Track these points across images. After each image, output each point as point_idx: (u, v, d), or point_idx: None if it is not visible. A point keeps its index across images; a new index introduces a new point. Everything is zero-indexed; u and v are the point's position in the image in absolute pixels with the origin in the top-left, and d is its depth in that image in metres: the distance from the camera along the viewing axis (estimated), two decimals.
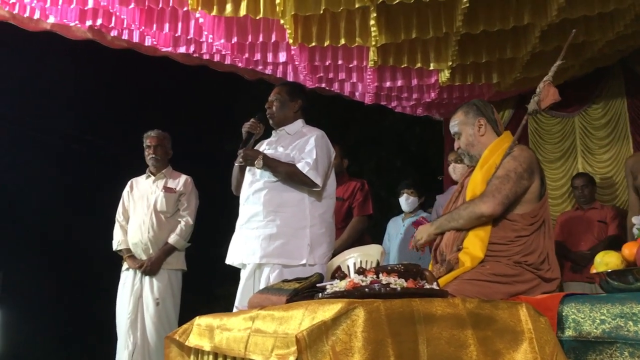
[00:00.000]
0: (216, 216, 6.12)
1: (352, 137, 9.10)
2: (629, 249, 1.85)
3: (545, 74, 2.57)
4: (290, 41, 4.09)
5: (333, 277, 2.26)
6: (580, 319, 1.75)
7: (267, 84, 5.06)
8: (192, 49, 4.63)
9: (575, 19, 3.92)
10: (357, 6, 3.64)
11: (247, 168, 3.18)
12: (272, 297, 2.04)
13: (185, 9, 3.82)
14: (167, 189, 4.26)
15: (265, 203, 3.04)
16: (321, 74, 5.01)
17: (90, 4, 3.89)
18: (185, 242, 4.24)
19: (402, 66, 4.60)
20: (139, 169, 4.43)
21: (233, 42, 4.23)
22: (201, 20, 4.05)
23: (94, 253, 4.68)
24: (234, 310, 2.99)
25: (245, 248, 3.06)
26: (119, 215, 4.33)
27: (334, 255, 2.97)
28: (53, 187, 8.16)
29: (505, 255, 2.29)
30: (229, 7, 3.72)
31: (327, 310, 1.48)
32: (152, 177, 4.34)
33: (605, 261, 1.90)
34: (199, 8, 3.72)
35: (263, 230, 3.01)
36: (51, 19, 4.22)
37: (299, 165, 3.02)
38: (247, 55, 4.64)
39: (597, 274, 1.89)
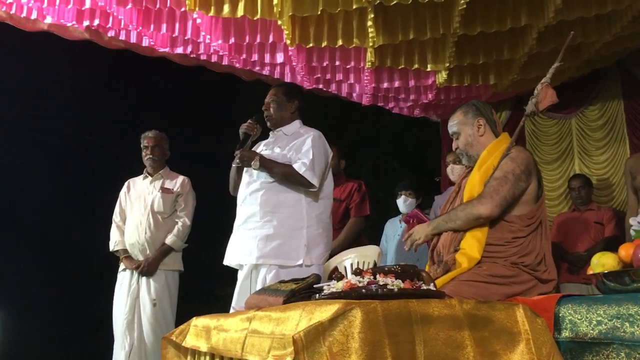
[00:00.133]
0: (213, 217, 6.12)
1: (350, 138, 9.10)
2: (625, 251, 1.86)
3: (542, 75, 2.58)
4: (288, 42, 4.09)
5: (330, 278, 2.26)
6: (576, 320, 1.75)
7: (265, 85, 5.06)
8: (189, 49, 4.62)
9: (572, 20, 3.93)
10: (354, 7, 3.64)
11: (245, 169, 3.18)
12: (269, 298, 2.04)
13: (182, 9, 3.82)
14: (164, 190, 4.25)
15: (262, 204, 3.04)
16: (319, 75, 5.01)
17: (88, 4, 3.89)
18: (183, 242, 4.24)
19: (400, 67, 4.61)
20: (138, 169, 4.42)
21: (230, 42, 4.23)
22: (199, 20, 4.04)
23: (94, 253, 4.67)
24: (231, 311, 2.99)
25: (242, 249, 3.06)
26: (116, 216, 4.32)
27: (331, 256, 2.97)
28: (52, 187, 8.14)
29: (502, 257, 2.30)
30: (226, 8, 3.72)
31: (324, 311, 1.48)
32: (150, 178, 4.33)
33: (602, 262, 1.90)
34: (197, 8, 3.72)
35: (260, 231, 3.01)
36: (48, 19, 4.21)
37: (296, 166, 3.02)
38: (244, 56, 4.64)
39: (594, 275, 1.89)
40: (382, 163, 9.39)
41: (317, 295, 1.81)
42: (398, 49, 4.44)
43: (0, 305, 6.90)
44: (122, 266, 4.21)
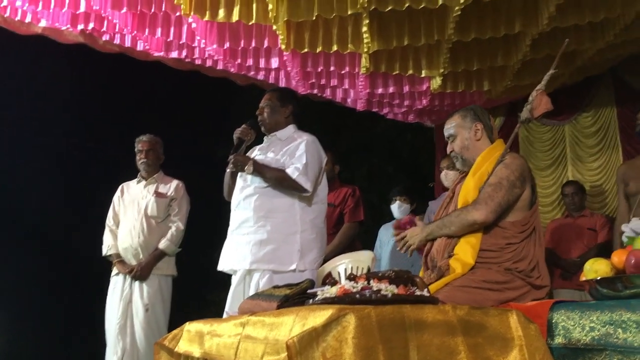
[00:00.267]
0: (207, 221, 6.10)
1: (344, 144, 9.10)
2: (618, 257, 1.86)
3: (535, 81, 2.59)
4: (283, 47, 4.10)
5: (324, 283, 2.26)
6: (570, 326, 1.76)
7: (260, 89, 5.07)
8: (184, 53, 4.63)
9: (565, 27, 3.96)
10: (349, 13, 3.65)
11: (239, 174, 3.18)
12: (263, 303, 2.04)
13: (177, 14, 3.83)
14: (158, 194, 4.24)
15: (255, 209, 3.03)
16: (313, 80, 5.02)
17: (82, 8, 3.89)
18: (176, 247, 4.22)
19: (394, 73, 4.62)
20: (136, 172, 4.40)
21: (225, 47, 4.23)
22: (194, 25, 4.05)
23: (91, 255, 4.65)
24: (225, 316, 2.98)
25: (235, 254, 3.05)
26: (109, 220, 4.31)
27: (324, 261, 2.96)
28: (50, 189, 8.12)
29: (495, 262, 2.30)
30: (221, 13, 3.72)
31: (317, 317, 1.48)
32: (144, 182, 4.32)
33: (595, 269, 1.90)
34: (192, 13, 3.72)
35: (253, 236, 3.00)
36: (43, 23, 4.21)
37: (289, 171, 3.02)
38: (239, 60, 4.65)
39: (587, 281, 1.89)
40: (377, 168, 9.39)
41: (311, 300, 1.81)
42: (393, 55, 4.46)
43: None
44: (114, 270, 4.19)
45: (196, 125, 9.37)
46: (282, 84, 5.08)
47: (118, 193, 4.39)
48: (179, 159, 4.96)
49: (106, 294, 4.19)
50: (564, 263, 4.71)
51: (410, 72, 4.57)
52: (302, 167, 3.01)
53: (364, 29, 3.89)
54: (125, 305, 4.05)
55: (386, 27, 4.03)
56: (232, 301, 3.02)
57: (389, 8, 3.60)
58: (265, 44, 4.19)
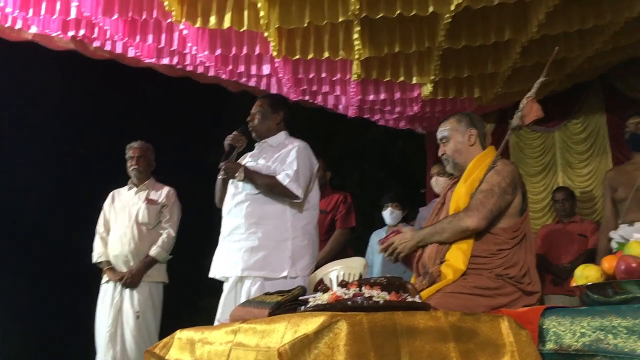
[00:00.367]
0: (199, 228, 6.08)
1: (336, 150, 9.12)
2: (608, 263, 1.87)
3: (526, 88, 2.61)
4: (274, 54, 4.11)
5: (316, 290, 2.25)
6: (561, 332, 1.76)
7: (251, 96, 5.07)
8: (175, 60, 4.62)
9: (555, 35, 3.99)
10: (340, 20, 3.66)
11: (230, 181, 3.17)
12: (254, 310, 2.03)
13: (169, 20, 3.82)
14: (149, 201, 4.22)
15: (246, 215, 3.02)
16: (305, 87, 5.02)
17: (73, 15, 3.87)
18: (167, 254, 4.20)
19: (385, 79, 4.64)
20: (126, 179, 4.38)
21: (217, 54, 4.23)
22: (185, 31, 4.05)
23: (83, 262, 4.62)
24: (216, 323, 2.96)
25: (227, 261, 3.04)
26: (100, 227, 4.28)
27: (316, 267, 2.96)
28: (41, 195, 8.08)
29: (487, 268, 2.31)
30: (213, 19, 3.72)
31: (309, 324, 1.47)
32: (135, 189, 4.30)
33: (585, 274, 1.91)
34: (183, 20, 3.72)
35: (245, 243, 2.99)
36: (33, 29, 4.19)
37: (280, 177, 3.02)
38: (230, 67, 4.64)
39: (578, 287, 1.90)
40: (368, 175, 9.41)
41: (303, 307, 1.81)
42: (384, 62, 4.47)
43: None
44: (105, 278, 4.16)
45: (187, 131, 9.36)
46: (274, 90, 5.09)
47: (109, 200, 4.36)
48: (170, 165, 4.94)
49: (96, 302, 4.16)
50: (555, 269, 4.73)
51: (402, 78, 4.59)
52: (293, 173, 3.01)
53: (355, 35, 3.90)
54: (116, 312, 4.02)
55: (377, 34, 4.05)
56: (224, 308, 3.00)
57: (380, 15, 3.62)
58: (257, 51, 4.20)
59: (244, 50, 4.19)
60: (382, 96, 5.02)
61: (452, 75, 4.60)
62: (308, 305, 1.76)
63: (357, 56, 4.12)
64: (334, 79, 4.71)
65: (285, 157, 3.10)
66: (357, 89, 4.91)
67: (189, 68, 4.84)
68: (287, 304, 1.96)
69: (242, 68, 4.64)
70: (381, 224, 5.06)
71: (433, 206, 2.83)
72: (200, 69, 4.83)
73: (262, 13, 3.62)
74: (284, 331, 1.54)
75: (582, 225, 4.87)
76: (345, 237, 4.39)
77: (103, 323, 4.03)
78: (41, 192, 8.09)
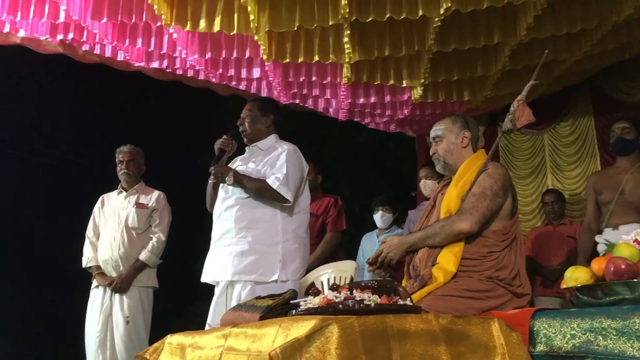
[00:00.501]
0: (189, 232, 6.06)
1: (328, 154, 9.13)
2: (597, 264, 1.88)
3: (515, 91, 2.62)
4: (264, 57, 4.10)
5: (307, 294, 2.25)
6: (551, 333, 1.77)
7: (242, 100, 5.06)
8: (165, 64, 4.61)
9: (543, 38, 4.02)
10: (330, 23, 3.67)
11: (220, 185, 3.17)
12: (245, 314, 2.02)
13: (158, 24, 3.81)
14: (139, 205, 4.20)
15: (236, 220, 3.02)
16: (295, 90, 5.03)
17: (62, 18, 3.85)
18: (157, 258, 4.18)
19: (376, 83, 4.65)
20: (116, 183, 4.36)
21: (207, 57, 4.23)
22: (175, 35, 4.03)
23: (71, 268, 4.58)
24: (207, 328, 2.95)
25: (217, 265, 3.03)
26: (89, 232, 4.25)
27: (307, 271, 2.95)
28: (30, 200, 8.02)
29: (477, 271, 2.31)
30: (202, 23, 3.71)
31: (300, 327, 1.47)
32: (124, 193, 4.28)
33: (575, 276, 1.92)
34: (173, 23, 3.71)
35: (235, 247, 2.98)
36: (21, 33, 4.16)
37: (269, 181, 3.01)
38: (221, 70, 4.64)
39: (567, 289, 1.91)
40: (359, 178, 9.42)
41: (294, 311, 1.80)
42: (374, 65, 4.49)
43: None
44: (94, 283, 4.13)
45: (178, 135, 9.34)
46: (264, 94, 5.09)
47: (98, 204, 4.34)
48: (161, 169, 4.92)
49: (86, 307, 4.13)
50: (545, 271, 4.76)
51: (392, 82, 4.61)
52: (282, 177, 3.00)
53: (346, 39, 3.91)
54: (105, 318, 3.99)
55: (367, 37, 4.06)
56: (214, 313, 2.99)
57: (370, 19, 3.63)
58: (247, 54, 4.19)
59: (234, 54, 4.19)
60: (373, 99, 5.04)
61: (442, 79, 4.62)
62: (299, 309, 1.76)
63: (347, 59, 4.13)
64: (325, 82, 4.72)
65: (275, 160, 3.09)
66: (347, 93, 4.92)
67: (179, 72, 4.83)
68: (278, 307, 1.96)
69: (232, 72, 4.63)
70: (372, 226, 5.07)
71: (422, 209, 2.83)
72: (190, 73, 4.82)
73: (252, 16, 3.61)
74: (275, 335, 1.53)
75: (571, 227, 4.90)
76: (336, 241, 4.39)
77: (92, 328, 4.00)
78: (30, 196, 8.03)
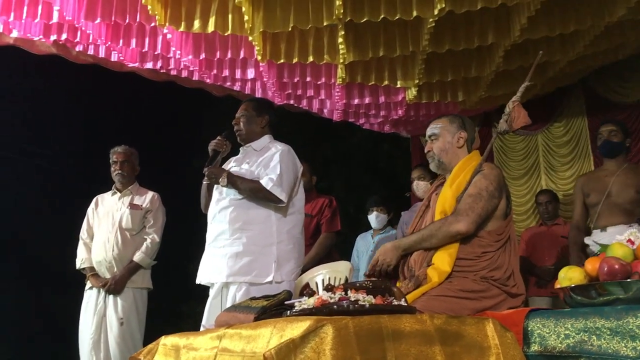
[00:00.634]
0: (183, 233, 6.04)
1: (322, 154, 9.13)
2: (591, 264, 1.88)
3: (509, 92, 2.63)
4: (259, 58, 4.10)
5: (301, 294, 2.25)
6: (545, 333, 1.77)
7: (236, 100, 5.06)
8: (159, 64, 4.60)
9: (537, 39, 4.04)
10: (325, 24, 3.67)
11: (214, 186, 3.16)
12: (240, 315, 2.02)
13: (152, 24, 3.80)
14: (133, 206, 4.18)
15: (231, 221, 3.01)
16: (290, 91, 5.02)
17: (55, 19, 3.84)
18: (151, 260, 4.16)
19: (370, 83, 4.65)
20: (110, 184, 4.34)
21: (201, 58, 4.22)
22: (169, 36, 4.03)
23: (65, 269, 4.57)
24: (201, 329, 2.94)
25: (212, 267, 3.02)
26: (83, 233, 4.23)
27: (302, 272, 2.95)
28: (24, 201, 7.99)
29: (471, 271, 2.31)
30: (197, 23, 3.71)
31: (295, 328, 1.47)
32: (118, 194, 4.26)
33: (569, 276, 1.93)
34: (167, 24, 3.70)
35: (229, 249, 2.98)
36: (14, 33, 4.14)
37: (263, 182, 3.00)
38: (215, 71, 4.64)
39: (561, 289, 1.92)
40: (353, 179, 9.43)
41: (289, 311, 1.80)
42: (368, 66, 4.49)
43: None
44: (88, 284, 4.12)
45: (172, 136, 9.32)
46: (259, 94, 5.08)
47: (92, 205, 4.32)
48: (155, 170, 4.91)
49: (80, 308, 4.12)
50: (539, 271, 4.77)
51: (386, 82, 4.61)
52: (276, 177, 3.00)
53: (340, 40, 3.91)
54: (99, 319, 3.98)
55: (362, 38, 4.07)
56: (209, 314, 2.98)
57: (365, 19, 3.63)
58: (242, 55, 4.19)
59: (229, 55, 4.18)
60: (367, 100, 5.04)
61: (436, 79, 4.63)
62: (294, 310, 1.76)
63: (341, 60, 4.13)
64: (319, 83, 4.72)
65: (268, 161, 3.09)
66: (341, 93, 4.92)
67: (173, 72, 4.82)
68: (273, 308, 1.95)
69: (226, 72, 4.63)
70: (367, 227, 5.07)
71: (415, 210, 2.83)
72: (184, 73, 4.81)
73: (246, 17, 3.61)
74: (270, 336, 1.53)
75: (565, 227, 4.91)
76: (330, 241, 4.39)
77: (86, 330, 3.98)
78: (24, 197, 8.00)
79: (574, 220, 4.19)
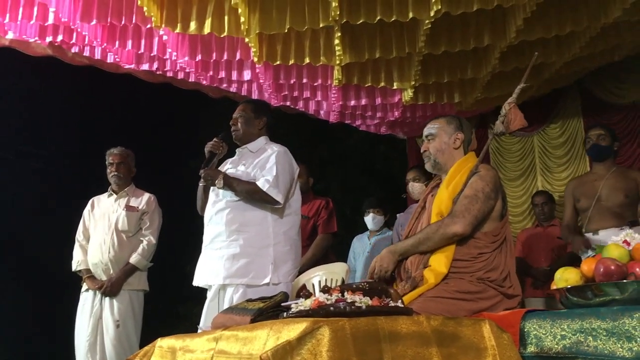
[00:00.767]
0: (180, 235, 6.03)
1: (319, 156, 9.12)
2: (587, 266, 1.89)
3: (505, 93, 2.64)
4: (255, 59, 4.10)
5: (298, 296, 2.25)
6: (541, 334, 1.78)
7: (232, 102, 5.05)
8: (155, 66, 4.59)
9: (533, 40, 4.04)
10: (321, 25, 3.67)
11: (211, 188, 3.15)
12: (236, 317, 2.02)
13: (148, 26, 3.79)
14: (129, 208, 4.17)
15: (227, 223, 3.01)
16: (286, 93, 5.02)
17: (51, 20, 3.82)
18: (148, 262, 4.15)
19: (366, 85, 4.65)
20: (106, 186, 4.33)
21: (197, 59, 4.21)
22: (165, 37, 4.02)
23: (61, 271, 4.55)
24: (199, 332, 2.94)
25: (209, 269, 3.02)
26: (79, 235, 4.22)
27: (299, 273, 2.95)
28: (20, 203, 7.96)
29: (468, 272, 2.32)
30: (193, 25, 3.70)
31: (292, 330, 1.47)
32: (114, 196, 4.25)
33: (565, 277, 1.93)
34: (163, 25, 3.69)
35: (226, 251, 2.97)
36: (10, 35, 4.13)
37: (259, 183, 3.00)
38: (211, 73, 4.63)
39: (558, 290, 1.92)
40: (350, 180, 9.42)
41: (285, 313, 1.80)
42: (365, 67, 4.49)
43: None
44: (84, 286, 4.11)
45: (168, 137, 9.30)
46: (255, 96, 5.08)
47: (88, 207, 4.31)
48: (151, 172, 4.90)
49: (76, 311, 4.11)
50: (535, 272, 4.78)
51: (382, 84, 4.61)
52: (272, 179, 2.99)
53: (336, 41, 3.91)
54: (95, 321, 3.97)
55: (358, 39, 4.07)
56: (207, 317, 2.98)
57: (361, 21, 3.63)
58: (238, 57, 4.18)
59: (225, 56, 4.18)
60: (363, 102, 5.04)
61: (433, 81, 4.64)
62: (290, 312, 1.76)
63: (338, 62, 4.13)
64: (315, 84, 4.72)
65: (264, 162, 3.09)
66: (338, 95, 4.92)
67: (169, 74, 4.81)
68: (270, 310, 1.95)
69: (222, 74, 4.62)
70: (363, 229, 5.07)
71: (411, 212, 2.83)
72: (180, 75, 4.80)
73: (242, 19, 3.61)
74: (266, 338, 1.53)
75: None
76: (327, 243, 4.39)
77: (82, 332, 3.97)
78: (20, 199, 7.97)
79: (565, 222, 4.21)
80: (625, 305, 1.67)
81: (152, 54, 4.32)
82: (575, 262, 3.88)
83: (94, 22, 3.69)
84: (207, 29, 3.70)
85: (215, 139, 3.21)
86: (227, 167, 3.24)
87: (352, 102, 5.05)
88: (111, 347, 3.92)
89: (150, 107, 8.88)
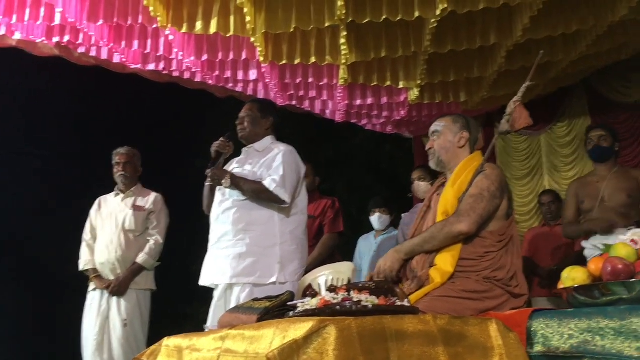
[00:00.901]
0: (187, 235, 6.04)
1: (324, 155, 9.12)
2: (595, 265, 1.88)
3: (511, 92, 2.62)
4: (261, 59, 4.10)
5: (304, 295, 2.25)
6: (548, 334, 1.77)
7: (238, 101, 5.06)
8: (161, 66, 4.60)
9: (539, 39, 4.03)
10: (327, 25, 3.67)
11: (217, 187, 3.16)
12: (243, 316, 2.02)
13: (154, 26, 3.80)
14: (136, 207, 4.19)
15: (234, 222, 3.01)
16: (292, 92, 5.02)
17: (58, 20, 3.84)
18: (155, 261, 4.16)
19: (372, 84, 4.65)
20: (113, 185, 4.34)
21: (203, 59, 4.22)
22: (171, 37, 4.03)
23: (68, 271, 4.56)
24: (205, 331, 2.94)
25: (216, 268, 3.02)
26: (86, 234, 4.24)
27: (305, 272, 2.95)
28: (25, 203, 7.99)
29: (474, 271, 2.31)
30: (199, 25, 3.71)
31: (298, 329, 1.47)
32: (121, 195, 4.26)
33: (572, 276, 1.92)
34: (169, 25, 3.71)
35: (233, 250, 2.98)
36: (17, 35, 4.15)
37: (266, 183, 3.00)
38: (217, 72, 4.64)
39: (565, 289, 1.91)
40: (356, 180, 9.42)
41: (291, 312, 1.80)
42: (370, 67, 4.49)
43: None
44: (91, 286, 4.12)
45: (174, 137, 9.32)
46: (261, 95, 5.09)
47: (95, 207, 4.32)
48: (157, 171, 4.90)
49: (81, 310, 4.12)
50: (542, 271, 4.76)
51: (388, 83, 4.61)
52: (279, 178, 3.00)
53: (342, 40, 3.91)
54: (103, 321, 3.98)
55: (364, 39, 4.07)
56: (214, 316, 2.98)
57: (367, 20, 3.63)
58: (244, 56, 4.19)
59: (231, 56, 4.18)
60: (369, 101, 5.04)
61: (439, 80, 4.63)
62: (297, 311, 1.76)
63: (343, 61, 4.13)
64: (321, 84, 4.72)
65: (271, 162, 3.09)
66: (344, 94, 4.92)
67: (176, 74, 4.82)
68: (276, 309, 1.95)
69: (228, 73, 4.63)
70: (369, 228, 5.06)
71: (416, 212, 2.83)
72: (186, 75, 4.81)
73: (248, 18, 3.61)
74: (273, 337, 1.53)
75: None
76: (333, 242, 4.39)
77: (90, 331, 3.99)
78: (26, 199, 8.00)
79: (567, 220, 4.17)
80: (632, 305, 1.67)
81: (158, 54, 4.34)
82: (582, 261, 3.88)
83: (100, 22, 3.71)
84: (213, 29, 3.70)
85: (221, 139, 3.21)
86: (234, 166, 3.24)
87: (358, 102, 5.05)
88: (118, 346, 3.93)
89: (156, 107, 8.90)
